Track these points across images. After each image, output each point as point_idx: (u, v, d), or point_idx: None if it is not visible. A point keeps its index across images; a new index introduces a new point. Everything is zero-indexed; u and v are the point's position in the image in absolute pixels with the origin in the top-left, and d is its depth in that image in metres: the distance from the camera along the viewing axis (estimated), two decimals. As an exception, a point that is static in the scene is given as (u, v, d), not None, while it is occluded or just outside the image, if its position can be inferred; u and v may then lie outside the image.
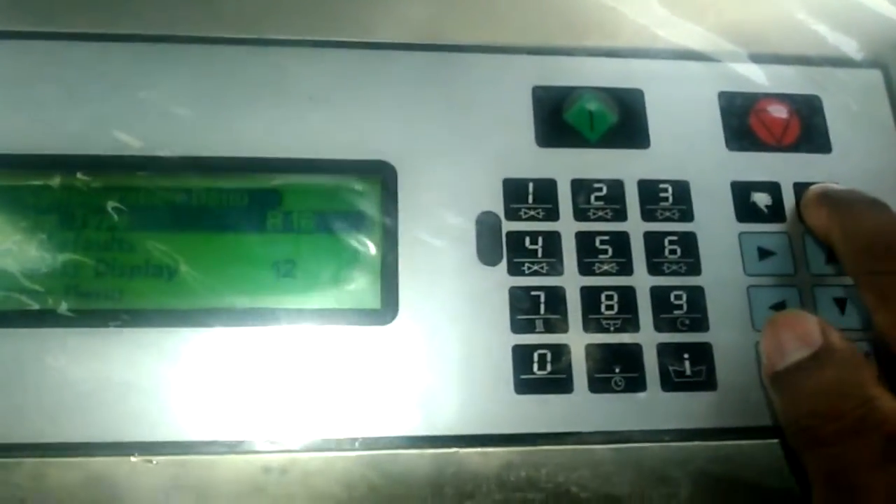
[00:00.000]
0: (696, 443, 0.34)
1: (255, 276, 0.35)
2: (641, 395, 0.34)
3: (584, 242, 0.36)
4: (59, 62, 0.37)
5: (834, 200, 0.36)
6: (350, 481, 0.32)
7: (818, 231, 0.36)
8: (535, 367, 0.34)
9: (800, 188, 0.38)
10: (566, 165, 0.37)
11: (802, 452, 0.32)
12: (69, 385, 0.32)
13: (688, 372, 0.35)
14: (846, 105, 0.40)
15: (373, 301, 0.35)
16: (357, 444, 0.33)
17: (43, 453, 0.31)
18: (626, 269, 0.36)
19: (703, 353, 0.35)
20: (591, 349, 0.35)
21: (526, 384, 0.34)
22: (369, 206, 0.36)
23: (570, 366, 0.34)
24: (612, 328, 0.35)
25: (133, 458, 0.32)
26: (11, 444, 0.32)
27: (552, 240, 0.36)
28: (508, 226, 0.36)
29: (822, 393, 0.31)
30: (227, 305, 0.34)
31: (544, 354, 0.34)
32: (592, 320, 0.35)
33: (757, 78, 0.40)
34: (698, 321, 0.36)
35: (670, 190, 0.37)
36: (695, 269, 0.36)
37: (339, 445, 0.33)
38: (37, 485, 0.31)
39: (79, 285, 0.34)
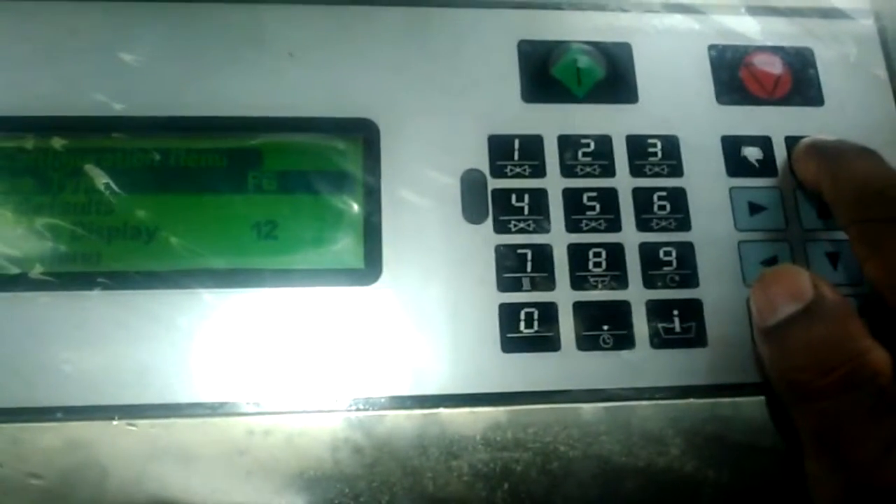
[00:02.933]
0: (687, 400, 0.34)
1: (236, 238, 0.34)
2: (630, 352, 0.34)
3: (572, 199, 0.36)
4: (34, 22, 0.36)
5: (823, 151, 0.35)
6: (335, 443, 0.32)
7: (809, 183, 0.36)
8: (522, 325, 0.34)
9: (791, 142, 0.37)
10: (553, 121, 0.37)
11: (793, 408, 0.31)
12: (48, 349, 0.32)
13: (677, 329, 0.34)
14: (839, 57, 0.39)
15: (356, 261, 0.34)
16: (341, 405, 0.32)
17: (20, 418, 0.31)
18: (614, 225, 0.35)
19: (692, 310, 0.35)
20: (578, 307, 0.34)
21: (513, 343, 0.34)
22: (352, 165, 0.35)
23: (557, 324, 0.34)
24: (599, 285, 0.35)
25: (114, 422, 0.31)
26: (-11, 409, 0.31)
27: (539, 197, 0.35)
28: (494, 183, 0.36)
29: (813, 346, 0.30)
30: (208, 267, 0.34)
31: (531, 313, 0.34)
32: (580, 278, 0.35)
33: (748, 30, 0.39)
34: (688, 277, 0.35)
35: (659, 145, 0.37)
36: (684, 224, 0.36)
37: (322, 407, 0.32)
38: (15, 450, 0.31)
39: (56, 248, 0.33)
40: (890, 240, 0.31)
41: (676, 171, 0.36)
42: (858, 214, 0.32)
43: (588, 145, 0.36)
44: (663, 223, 0.36)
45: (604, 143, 0.37)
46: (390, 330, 0.33)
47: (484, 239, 0.35)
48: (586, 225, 0.35)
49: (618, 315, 0.34)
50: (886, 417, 0.29)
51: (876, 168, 0.33)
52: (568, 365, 0.34)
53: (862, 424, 0.29)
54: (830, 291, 0.31)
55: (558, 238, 0.35)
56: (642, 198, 0.36)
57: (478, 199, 0.35)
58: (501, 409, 0.33)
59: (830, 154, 0.35)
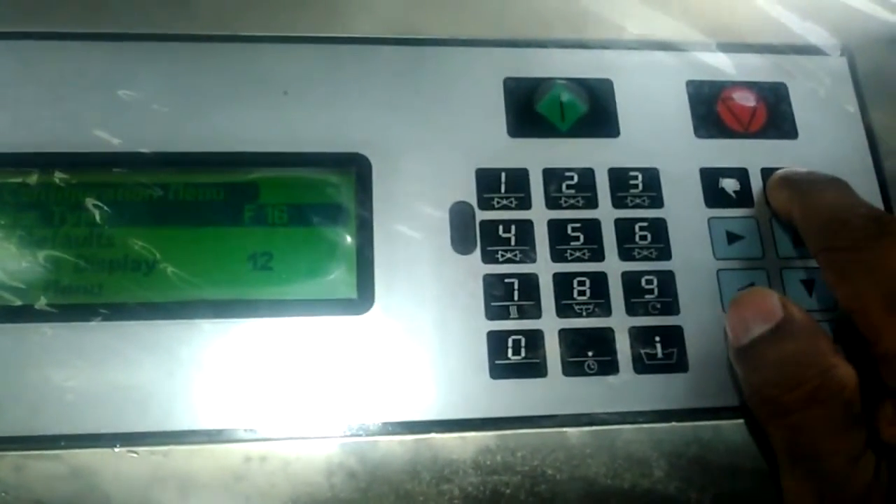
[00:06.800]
0: (669, 423, 0.35)
1: (233, 269, 0.35)
2: (614, 377, 0.35)
3: (557, 230, 0.37)
4: (36, 61, 0.37)
5: (794, 181, 0.37)
6: (329, 468, 0.33)
7: (782, 213, 0.37)
8: (510, 352, 0.35)
9: (767, 173, 0.39)
10: (538, 155, 0.38)
11: (766, 423, 0.33)
12: (51, 379, 0.33)
13: (659, 354, 0.36)
14: (812, 92, 0.41)
15: (349, 291, 0.35)
16: (336, 431, 0.33)
17: (24, 446, 0.32)
18: (597, 255, 0.37)
19: (674, 336, 0.36)
20: (564, 334, 0.35)
21: (501, 369, 0.35)
22: (345, 198, 0.37)
23: (543, 350, 0.35)
24: (584, 313, 0.36)
25: (116, 450, 0.32)
26: (-7, 438, 0.32)
27: (525, 228, 0.37)
28: (482, 215, 0.37)
29: (782, 363, 0.32)
30: (206, 298, 0.35)
31: (518, 340, 0.35)
32: (565, 306, 0.36)
33: (724, 66, 0.41)
34: (669, 305, 0.36)
35: (640, 177, 0.38)
36: (665, 254, 0.37)
37: (317, 433, 0.33)
38: (18, 477, 0.31)
39: (59, 281, 0.34)
40: (856, 268, 0.32)
41: (657, 202, 0.38)
42: (826, 243, 0.34)
43: (572, 178, 0.38)
44: (645, 252, 0.37)
45: (587, 175, 0.38)
46: (383, 358, 0.34)
47: (472, 269, 0.36)
48: (571, 255, 0.37)
49: (602, 342, 0.35)
50: (853, 430, 0.31)
51: (843, 198, 0.35)
52: (554, 390, 0.35)
53: (830, 437, 0.31)
54: (798, 312, 0.32)
55: (544, 267, 0.36)
56: (624, 228, 0.37)
57: (466, 231, 0.37)
58: (490, 433, 0.34)
59: (801, 185, 0.36)
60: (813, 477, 0.31)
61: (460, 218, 0.37)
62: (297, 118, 0.37)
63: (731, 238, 0.38)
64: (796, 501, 0.32)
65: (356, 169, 0.37)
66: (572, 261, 0.37)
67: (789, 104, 0.41)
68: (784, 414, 0.31)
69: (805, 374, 0.31)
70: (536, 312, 0.36)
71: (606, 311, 0.36)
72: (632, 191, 0.38)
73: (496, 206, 0.37)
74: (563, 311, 0.36)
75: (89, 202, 0.35)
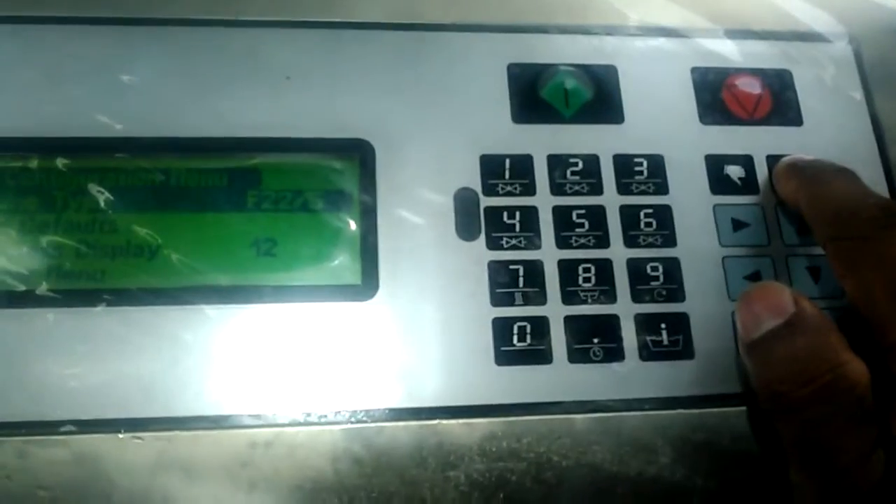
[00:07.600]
0: (675, 411, 0.35)
1: (236, 255, 0.35)
2: (620, 364, 0.35)
3: (561, 216, 0.37)
4: (37, 45, 0.37)
5: (802, 170, 0.37)
6: (335, 454, 0.33)
7: (789, 201, 0.37)
8: (515, 338, 0.35)
9: (772, 160, 0.38)
10: (542, 141, 0.38)
11: (776, 418, 0.33)
12: (54, 364, 0.33)
13: (665, 341, 0.35)
14: (817, 79, 0.41)
15: (353, 277, 0.35)
16: (341, 417, 0.33)
17: (27, 432, 0.32)
18: (602, 241, 0.37)
19: (679, 323, 0.36)
20: (569, 321, 0.35)
21: (506, 356, 0.35)
22: (348, 184, 0.36)
23: (549, 337, 0.35)
24: (589, 300, 0.36)
25: (120, 435, 0.32)
26: (-4, 423, 0.32)
27: (529, 214, 0.37)
28: (486, 201, 0.37)
29: (793, 359, 0.31)
30: (209, 284, 0.34)
31: (524, 326, 0.35)
32: (570, 292, 0.36)
33: (729, 53, 0.41)
34: (674, 292, 0.36)
35: (645, 164, 0.38)
36: (670, 240, 0.37)
37: (323, 419, 0.33)
38: (22, 463, 0.31)
39: (61, 266, 0.34)
40: (863, 258, 0.32)
41: (662, 189, 0.38)
42: (834, 232, 0.33)
43: (576, 164, 0.38)
44: (650, 239, 0.37)
45: (592, 162, 0.38)
46: (388, 344, 0.34)
47: (477, 255, 0.36)
48: (576, 241, 0.36)
49: (607, 328, 0.35)
50: (863, 426, 0.31)
51: (851, 188, 0.35)
52: (560, 377, 0.35)
53: (840, 434, 0.30)
54: (810, 306, 0.32)
55: (549, 254, 0.36)
56: (629, 215, 0.37)
57: (471, 217, 0.36)
58: (496, 420, 0.34)
59: (808, 173, 0.36)
60: (822, 474, 0.31)
61: (465, 204, 0.37)
62: (299, 104, 0.37)
63: (737, 225, 0.38)
64: (805, 498, 0.32)
65: (360, 155, 0.37)
66: (577, 247, 0.36)
67: (794, 91, 0.40)
68: (794, 410, 0.31)
69: (816, 370, 0.31)
70: (541, 299, 0.35)
71: (612, 297, 0.36)
72: (637, 177, 0.38)
73: (501, 192, 0.37)
74: (568, 297, 0.36)
75: (91, 187, 0.35)
